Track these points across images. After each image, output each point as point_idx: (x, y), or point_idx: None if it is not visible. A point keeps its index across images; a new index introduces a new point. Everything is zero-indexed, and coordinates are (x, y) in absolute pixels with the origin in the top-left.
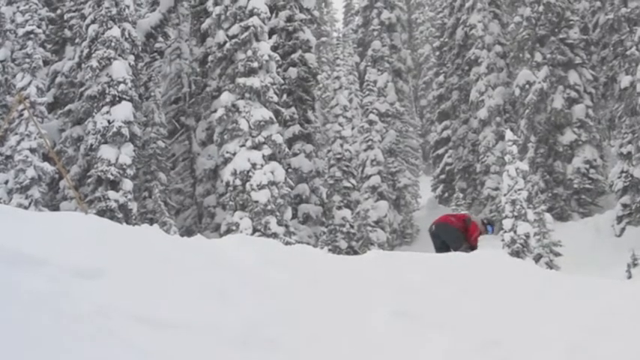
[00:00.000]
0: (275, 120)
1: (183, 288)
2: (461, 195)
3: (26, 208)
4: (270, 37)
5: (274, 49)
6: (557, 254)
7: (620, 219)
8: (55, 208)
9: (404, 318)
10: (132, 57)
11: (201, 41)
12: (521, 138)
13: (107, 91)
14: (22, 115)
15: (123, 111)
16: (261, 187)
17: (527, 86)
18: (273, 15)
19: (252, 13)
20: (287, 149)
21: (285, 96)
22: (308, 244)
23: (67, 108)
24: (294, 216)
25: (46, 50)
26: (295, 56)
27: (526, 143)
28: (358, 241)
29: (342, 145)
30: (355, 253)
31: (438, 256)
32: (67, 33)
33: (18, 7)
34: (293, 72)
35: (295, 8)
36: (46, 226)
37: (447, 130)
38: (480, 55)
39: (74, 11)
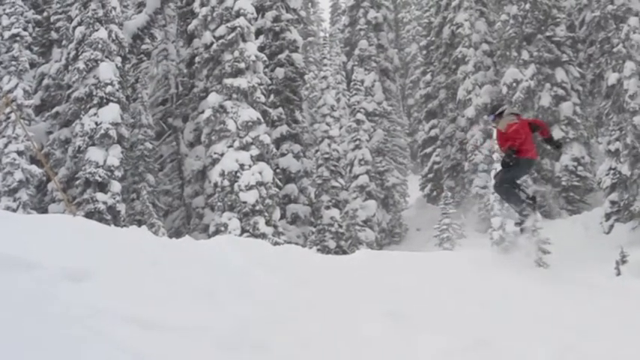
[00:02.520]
0: (262, 120)
1: (172, 289)
2: (449, 194)
3: (14, 210)
4: (256, 38)
5: (261, 49)
6: (546, 252)
7: (608, 216)
8: (44, 210)
9: (394, 318)
10: (119, 58)
11: (188, 42)
12: None
13: (94, 93)
14: (9, 117)
15: (110, 113)
16: (249, 187)
17: (514, 84)
18: (260, 15)
19: (238, 14)
20: (275, 149)
21: (272, 96)
22: (297, 244)
23: (54, 110)
24: (283, 216)
25: (32, 53)
26: (282, 56)
27: None
28: (347, 240)
29: (329, 145)
30: (344, 252)
31: (426, 255)
32: (54, 35)
33: (4, 10)
34: (280, 72)
35: (282, 8)
36: (35, 228)
37: (434, 128)
38: (467, 54)
39: (60, 13)
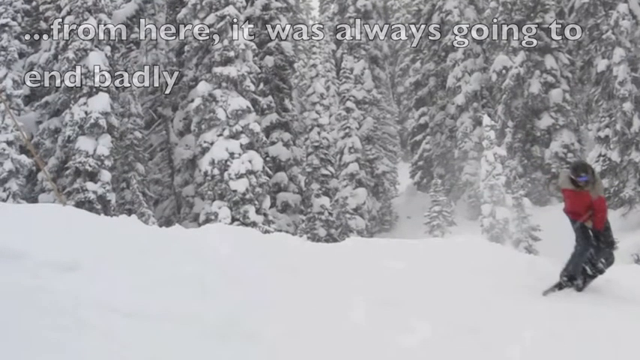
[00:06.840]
0: (252, 109)
1: (162, 279)
2: (439, 181)
3: (4, 200)
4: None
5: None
6: (536, 239)
7: None
8: (34, 200)
9: (384, 306)
10: (108, 48)
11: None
12: (498, 123)
13: (84, 83)
14: None
15: (100, 102)
16: (239, 176)
17: (503, 71)
18: (249, 4)
19: (227, 2)
20: (264, 138)
21: (261, 85)
22: (287, 232)
23: (43, 100)
24: (273, 205)
25: (21, 42)
26: (272, 45)
27: (503, 128)
28: (337, 228)
29: (319, 133)
30: (334, 240)
31: (416, 242)
32: (43, 25)
33: None
34: (269, 60)
35: None
36: (25, 218)
37: (424, 116)
38: None
39: (49, 3)
